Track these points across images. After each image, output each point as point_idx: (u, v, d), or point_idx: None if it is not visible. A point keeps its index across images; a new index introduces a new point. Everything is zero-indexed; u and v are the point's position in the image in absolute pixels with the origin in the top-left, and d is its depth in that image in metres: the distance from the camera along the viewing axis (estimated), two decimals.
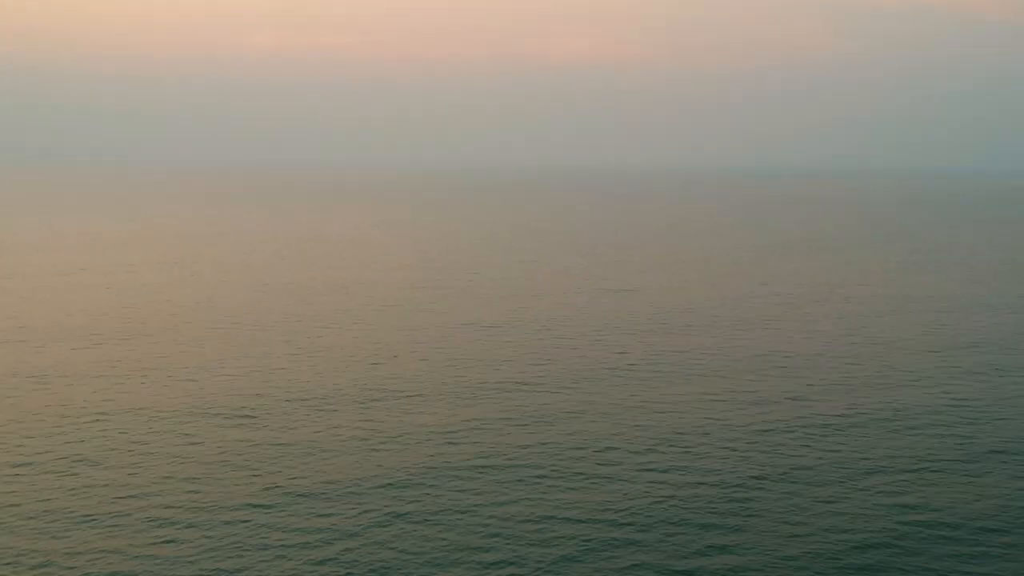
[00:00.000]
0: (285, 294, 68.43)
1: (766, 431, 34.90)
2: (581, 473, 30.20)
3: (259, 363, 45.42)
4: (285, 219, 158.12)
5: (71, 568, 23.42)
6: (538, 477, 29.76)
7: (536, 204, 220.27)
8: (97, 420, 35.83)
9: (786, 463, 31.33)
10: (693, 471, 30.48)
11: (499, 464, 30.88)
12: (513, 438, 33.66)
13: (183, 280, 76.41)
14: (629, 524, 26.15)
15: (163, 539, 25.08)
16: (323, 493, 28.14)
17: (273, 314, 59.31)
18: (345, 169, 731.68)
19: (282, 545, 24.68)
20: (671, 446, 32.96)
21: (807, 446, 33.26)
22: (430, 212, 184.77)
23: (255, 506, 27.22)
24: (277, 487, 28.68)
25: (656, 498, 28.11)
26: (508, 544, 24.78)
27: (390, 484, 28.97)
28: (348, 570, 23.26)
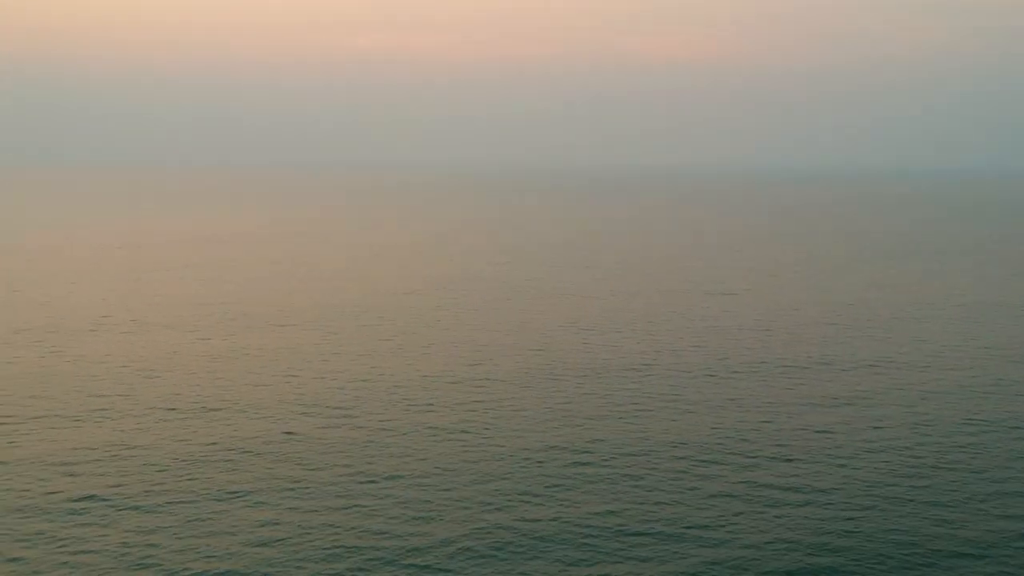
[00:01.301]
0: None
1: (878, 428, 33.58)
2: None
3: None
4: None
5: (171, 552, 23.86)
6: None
7: (636, 204, 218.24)
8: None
9: (904, 471, 30.05)
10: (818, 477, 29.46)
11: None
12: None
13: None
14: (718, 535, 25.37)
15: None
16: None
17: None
18: (448, 168, 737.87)
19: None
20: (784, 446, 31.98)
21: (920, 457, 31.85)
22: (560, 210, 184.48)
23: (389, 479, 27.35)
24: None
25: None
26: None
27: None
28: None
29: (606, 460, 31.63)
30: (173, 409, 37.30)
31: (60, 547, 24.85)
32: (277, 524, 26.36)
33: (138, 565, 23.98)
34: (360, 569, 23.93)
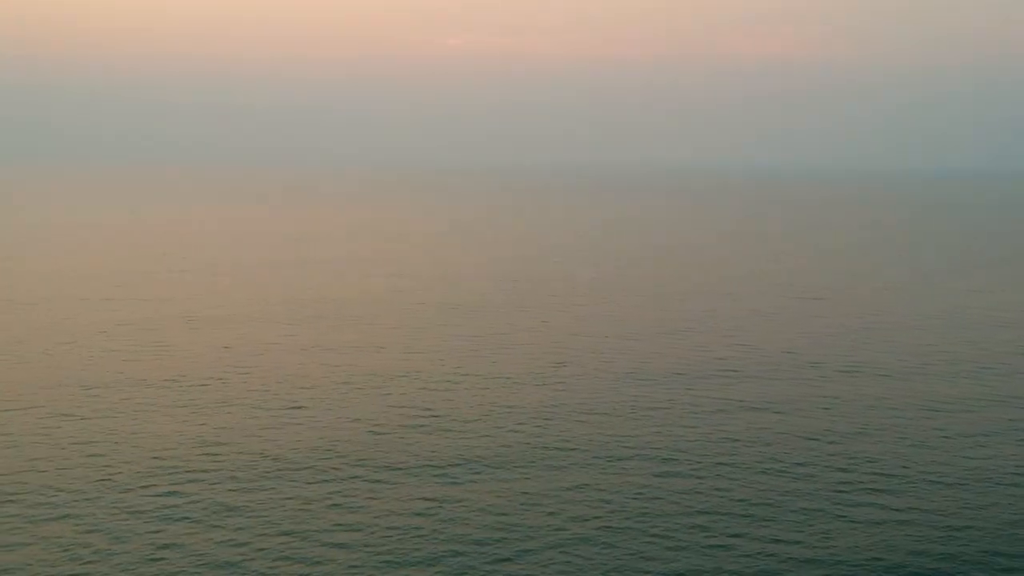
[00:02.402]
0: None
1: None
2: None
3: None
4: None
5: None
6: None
7: (733, 206, 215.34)
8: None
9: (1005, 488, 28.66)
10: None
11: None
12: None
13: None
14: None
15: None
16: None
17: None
18: (546, 170, 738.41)
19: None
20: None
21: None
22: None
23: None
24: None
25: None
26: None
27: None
28: None
29: (693, 467, 30.88)
30: (259, 407, 37.69)
31: (150, 542, 25.18)
32: (359, 523, 26.29)
33: (225, 564, 24.13)
34: (445, 573, 23.71)
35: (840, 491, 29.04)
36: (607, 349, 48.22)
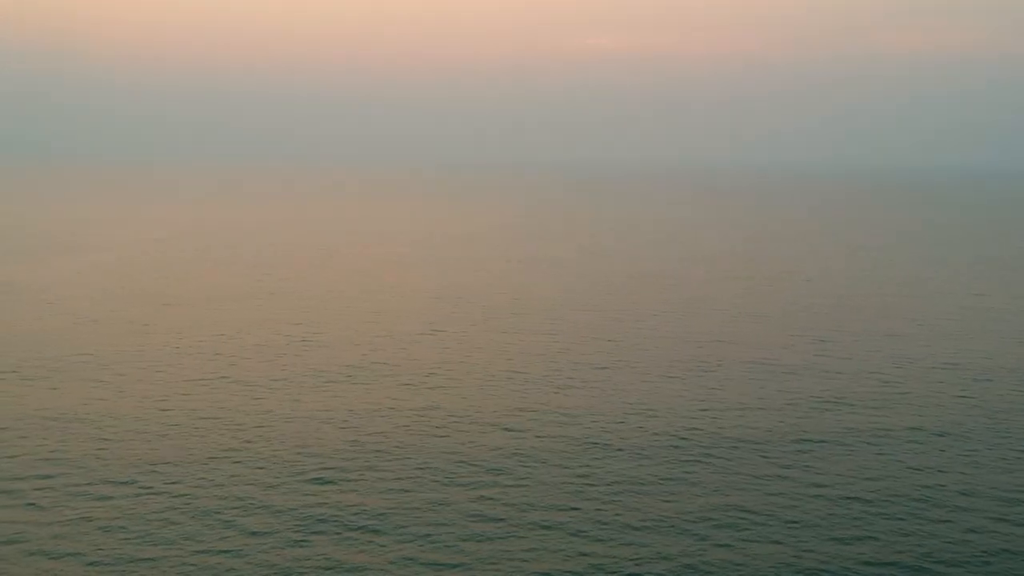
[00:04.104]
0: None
1: None
2: None
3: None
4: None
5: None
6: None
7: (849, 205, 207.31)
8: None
9: None
10: None
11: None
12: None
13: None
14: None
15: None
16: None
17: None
18: (682, 167, 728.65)
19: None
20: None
21: None
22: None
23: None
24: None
25: None
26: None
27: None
28: None
29: (847, 485, 29.83)
30: (395, 402, 38.45)
31: (296, 520, 26.00)
32: (492, 521, 26.47)
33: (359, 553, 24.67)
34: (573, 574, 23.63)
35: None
36: (745, 358, 47.25)
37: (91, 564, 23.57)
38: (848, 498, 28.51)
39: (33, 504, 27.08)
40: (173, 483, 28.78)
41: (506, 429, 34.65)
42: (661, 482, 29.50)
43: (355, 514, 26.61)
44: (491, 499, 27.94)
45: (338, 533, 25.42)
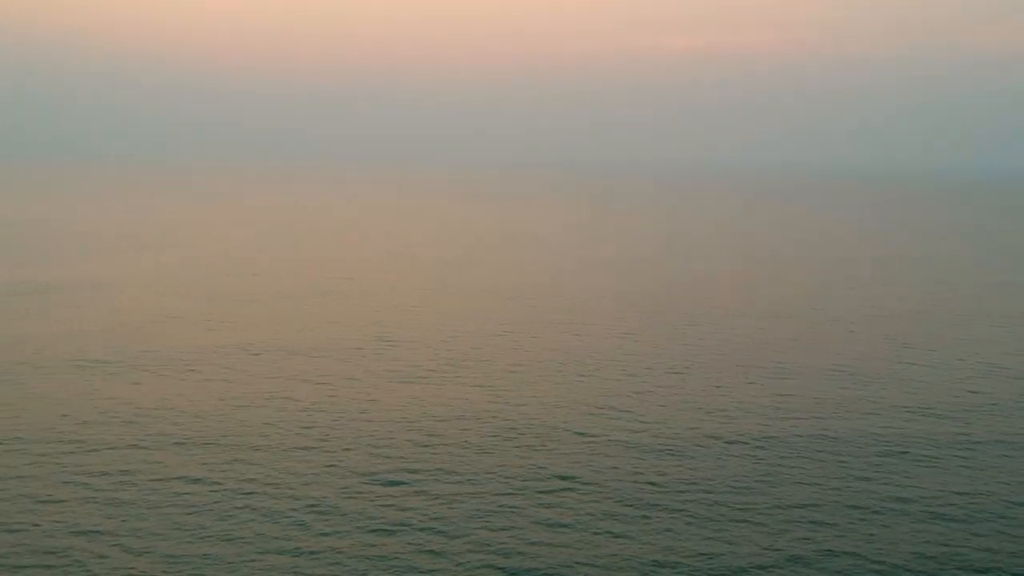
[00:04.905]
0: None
1: None
2: None
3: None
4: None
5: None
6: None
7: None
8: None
9: None
10: None
11: None
12: None
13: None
14: None
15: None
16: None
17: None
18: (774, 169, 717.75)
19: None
20: None
21: None
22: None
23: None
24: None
25: None
26: None
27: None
28: None
29: (931, 499, 28.85)
30: (465, 400, 38.38)
31: (369, 522, 26.05)
32: (558, 524, 26.17)
33: (429, 552, 24.60)
34: None
35: None
36: (820, 363, 46.14)
37: (166, 557, 23.87)
38: (933, 513, 27.54)
39: (113, 499, 27.55)
40: (247, 480, 29.05)
41: (578, 433, 34.31)
42: (734, 491, 28.87)
43: (425, 516, 26.53)
44: (562, 505, 27.62)
45: (408, 536, 25.36)
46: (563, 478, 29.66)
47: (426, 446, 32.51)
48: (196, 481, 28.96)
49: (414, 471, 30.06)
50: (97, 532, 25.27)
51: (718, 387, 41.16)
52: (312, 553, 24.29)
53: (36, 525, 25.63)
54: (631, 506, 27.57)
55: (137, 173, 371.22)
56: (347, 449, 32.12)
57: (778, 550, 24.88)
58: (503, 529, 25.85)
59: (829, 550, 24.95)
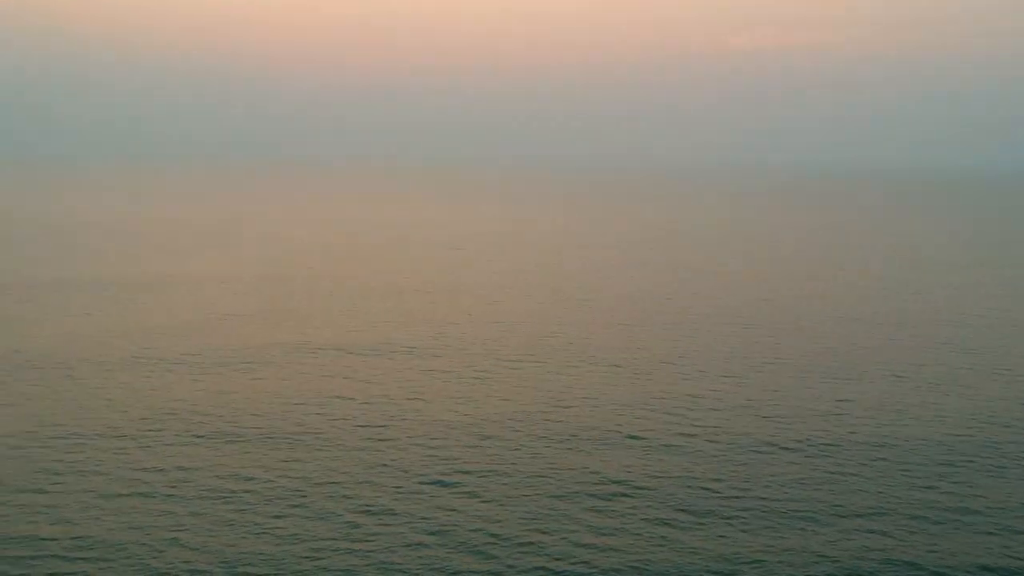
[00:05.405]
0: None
1: None
2: None
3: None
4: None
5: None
6: None
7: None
8: None
9: None
10: None
11: None
12: None
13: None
14: None
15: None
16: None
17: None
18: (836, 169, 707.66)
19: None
20: None
21: None
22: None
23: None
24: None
25: None
26: None
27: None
28: None
29: (996, 511, 28.05)
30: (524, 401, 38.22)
31: (418, 521, 26.04)
32: (611, 529, 25.91)
33: (476, 551, 24.50)
34: None
35: None
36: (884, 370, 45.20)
37: (221, 554, 24.06)
38: (997, 525, 26.76)
39: (170, 495, 27.88)
40: (301, 478, 29.22)
41: (631, 436, 33.98)
42: (791, 498, 28.32)
43: (477, 518, 26.44)
44: (614, 510, 27.34)
45: (460, 537, 25.28)
46: (616, 482, 29.37)
47: (478, 447, 32.44)
48: (251, 479, 29.19)
49: (466, 472, 29.99)
50: (154, 528, 25.57)
51: (775, 391, 40.54)
52: (364, 554, 24.31)
53: (96, 520, 26.02)
54: (685, 512, 27.20)
55: (199, 172, 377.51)
56: (400, 449, 32.16)
57: (836, 560, 24.35)
58: (555, 532, 25.65)
59: (888, 560, 24.37)
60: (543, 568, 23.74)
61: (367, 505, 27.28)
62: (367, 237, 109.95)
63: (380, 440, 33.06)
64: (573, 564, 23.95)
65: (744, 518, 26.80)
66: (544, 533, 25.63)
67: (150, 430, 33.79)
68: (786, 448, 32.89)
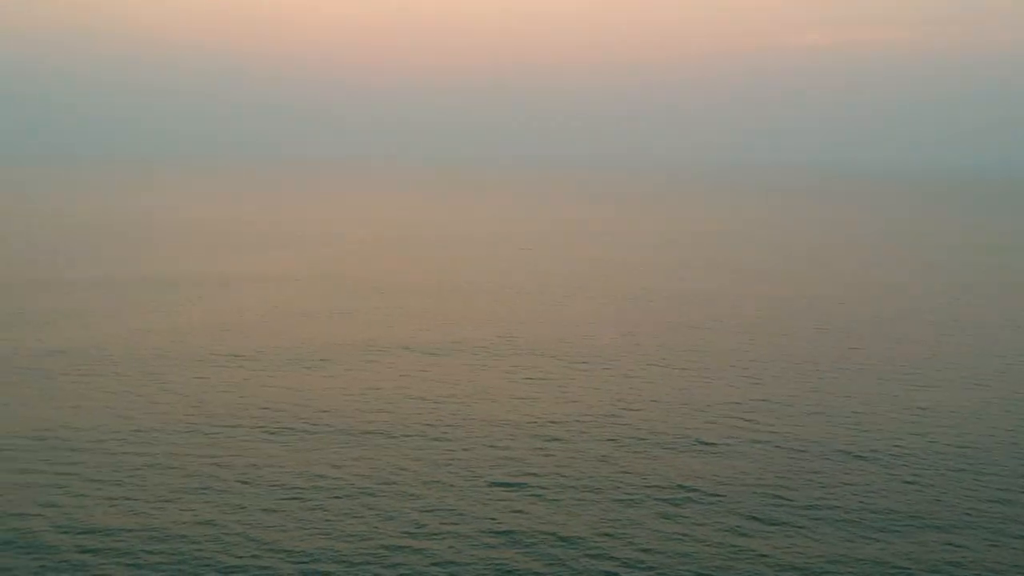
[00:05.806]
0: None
1: None
2: None
3: None
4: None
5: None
6: None
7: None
8: None
9: None
10: None
11: None
12: None
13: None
14: None
15: None
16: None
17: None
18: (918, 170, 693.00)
19: None
20: None
21: None
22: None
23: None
24: None
25: None
26: None
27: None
28: None
29: None
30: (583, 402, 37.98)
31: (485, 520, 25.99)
32: (679, 535, 25.54)
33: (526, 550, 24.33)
34: None
35: None
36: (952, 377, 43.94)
37: (287, 550, 24.26)
38: None
39: (240, 491, 28.21)
40: (367, 476, 29.37)
41: (701, 441, 33.54)
42: (864, 508, 27.65)
43: (543, 522, 26.29)
44: (683, 516, 26.97)
45: (525, 540, 25.16)
46: (684, 488, 28.98)
47: (545, 449, 32.29)
48: (321, 476, 29.41)
49: (533, 474, 29.86)
50: (223, 523, 25.90)
51: (848, 396, 39.72)
52: (430, 553, 24.32)
53: (169, 514, 26.44)
54: (755, 519, 26.73)
55: (259, 172, 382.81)
56: (466, 449, 32.15)
57: (910, 573, 23.70)
58: (622, 537, 25.38)
59: (953, 567, 23.64)
60: (611, 573, 23.50)
61: (433, 505, 27.31)
62: (422, 235, 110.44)
63: (447, 440, 33.10)
64: (641, 570, 23.67)
65: (817, 527, 26.25)
66: (611, 538, 25.38)
67: (224, 425, 34.27)
68: (860, 456, 32.16)
